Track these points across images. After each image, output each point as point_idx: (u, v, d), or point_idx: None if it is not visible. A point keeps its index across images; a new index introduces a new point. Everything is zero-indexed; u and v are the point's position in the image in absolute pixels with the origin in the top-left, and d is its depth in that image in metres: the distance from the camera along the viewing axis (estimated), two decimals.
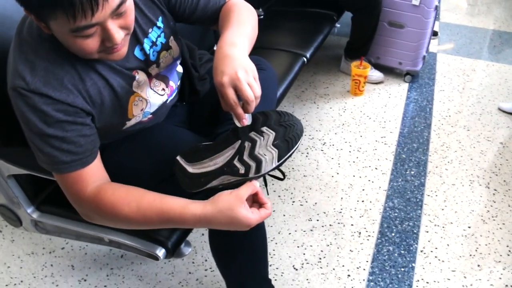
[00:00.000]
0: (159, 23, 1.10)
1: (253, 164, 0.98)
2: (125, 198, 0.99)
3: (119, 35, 0.89)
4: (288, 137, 1.00)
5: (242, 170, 0.98)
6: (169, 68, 1.19)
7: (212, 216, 0.94)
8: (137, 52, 1.07)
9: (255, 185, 0.98)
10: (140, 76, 1.09)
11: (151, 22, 1.07)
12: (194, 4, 1.13)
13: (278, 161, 0.99)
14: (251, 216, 0.95)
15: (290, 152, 1.01)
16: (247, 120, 0.95)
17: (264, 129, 0.99)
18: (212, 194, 1.03)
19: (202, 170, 1.01)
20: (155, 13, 1.08)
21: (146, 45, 1.08)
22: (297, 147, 1.02)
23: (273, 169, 1.00)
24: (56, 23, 0.82)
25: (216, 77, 0.92)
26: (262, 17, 2.07)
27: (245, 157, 0.98)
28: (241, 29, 1.05)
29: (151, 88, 1.14)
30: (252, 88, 0.92)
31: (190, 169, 1.02)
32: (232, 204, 0.93)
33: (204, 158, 1.01)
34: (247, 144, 0.98)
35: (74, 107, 0.94)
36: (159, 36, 1.11)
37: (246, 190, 0.96)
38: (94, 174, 1.02)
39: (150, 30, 1.08)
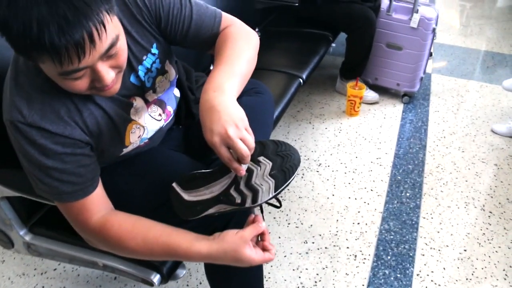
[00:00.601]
0: (154, 50, 1.08)
1: (249, 194, 0.97)
2: (131, 232, 0.99)
3: (109, 76, 0.87)
4: (285, 167, 0.99)
5: (238, 200, 0.98)
6: (166, 93, 1.18)
7: (217, 255, 0.96)
8: (132, 79, 1.06)
9: (260, 227, 0.99)
10: (138, 102, 1.09)
11: (145, 50, 1.06)
12: (184, 31, 1.10)
13: (274, 192, 0.98)
14: (254, 256, 0.97)
15: (287, 183, 1.00)
16: (243, 171, 0.93)
17: (261, 158, 0.99)
18: (208, 221, 1.02)
19: (198, 198, 1.00)
20: (149, 40, 1.06)
21: (141, 72, 1.07)
22: (294, 177, 1.01)
23: (270, 199, 1.00)
24: (45, 66, 0.81)
25: (205, 135, 0.90)
26: (259, 37, 2.08)
27: (242, 187, 0.98)
28: (233, 67, 1.00)
29: (149, 114, 1.13)
30: (246, 142, 0.89)
31: (186, 196, 1.01)
32: (237, 246, 0.95)
33: (200, 186, 1.01)
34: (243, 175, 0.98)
35: (72, 139, 0.94)
36: (154, 62, 1.09)
37: (251, 231, 0.97)
38: (97, 203, 1.02)
39: (144, 58, 1.06)
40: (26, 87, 0.90)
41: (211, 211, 1.00)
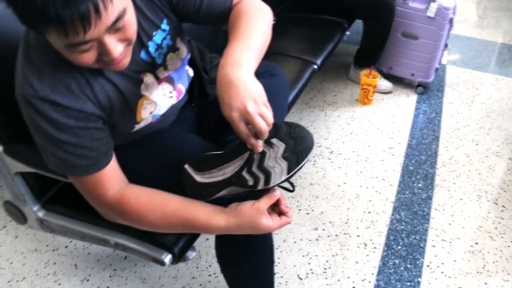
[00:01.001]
0: (164, 26, 1.07)
1: (262, 176, 0.97)
2: (149, 206, 1.00)
3: (117, 50, 0.86)
4: (298, 149, 0.98)
5: (250, 182, 0.97)
6: (178, 70, 1.17)
7: (235, 227, 0.98)
8: (143, 54, 1.05)
9: (275, 195, 0.99)
10: (148, 78, 1.08)
11: (155, 25, 1.05)
12: (197, 6, 1.09)
13: (287, 174, 0.97)
14: (272, 224, 0.99)
15: (300, 165, 0.99)
16: (261, 147, 0.94)
17: (274, 140, 0.98)
18: (220, 201, 1.02)
19: (210, 180, 1.00)
20: (159, 16, 1.05)
21: (151, 48, 1.06)
22: (307, 160, 1.00)
23: (282, 182, 0.99)
24: (51, 38, 0.80)
25: (224, 110, 0.89)
26: (274, 22, 2.06)
27: (254, 169, 0.97)
28: (248, 41, 0.98)
29: (160, 91, 1.13)
30: (264, 118, 0.88)
31: (198, 178, 1.01)
32: (254, 217, 0.97)
33: (213, 167, 1.00)
34: (256, 156, 0.97)
35: (84, 112, 0.93)
36: (164, 38, 1.09)
37: (266, 201, 0.98)
38: (112, 177, 1.02)
39: (154, 33, 1.05)
40: (36, 62, 0.90)
41: (222, 193, 1.00)
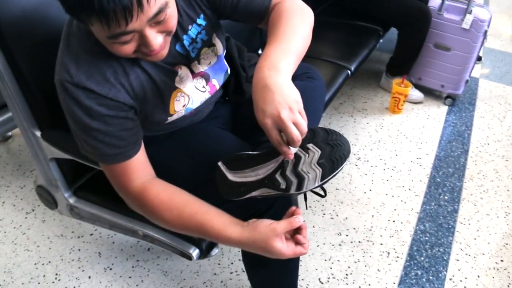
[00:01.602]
0: (200, 21, 1.08)
1: (295, 181, 0.96)
2: (168, 204, 1.01)
3: (157, 42, 0.88)
4: (334, 157, 0.97)
5: (283, 185, 0.97)
6: (213, 67, 1.17)
7: (247, 243, 0.96)
8: (178, 47, 1.06)
9: (296, 222, 0.95)
10: (183, 71, 1.09)
11: (191, 20, 1.06)
12: (235, 2, 1.08)
13: (321, 181, 0.97)
14: (285, 251, 0.94)
15: (335, 173, 0.98)
16: (292, 155, 0.91)
17: (310, 146, 0.97)
18: (250, 203, 1.03)
19: (242, 180, 1.00)
20: (195, 10, 1.06)
21: (186, 41, 1.07)
22: (342, 168, 1.00)
23: (315, 188, 0.99)
24: (94, 29, 0.83)
25: (257, 115, 0.87)
26: None
27: (288, 173, 0.97)
28: (288, 44, 0.95)
29: (194, 85, 1.13)
30: (298, 126, 0.85)
31: (231, 176, 1.01)
32: (267, 237, 0.93)
33: (246, 167, 1.00)
34: (291, 160, 0.96)
35: (116, 101, 0.95)
36: (199, 33, 1.09)
37: (285, 226, 0.94)
38: (138, 167, 1.03)
39: (189, 27, 1.06)
40: (75, 48, 0.92)
41: (254, 193, 1.00)
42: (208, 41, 1.12)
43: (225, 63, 1.24)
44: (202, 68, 1.14)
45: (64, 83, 0.91)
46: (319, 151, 0.97)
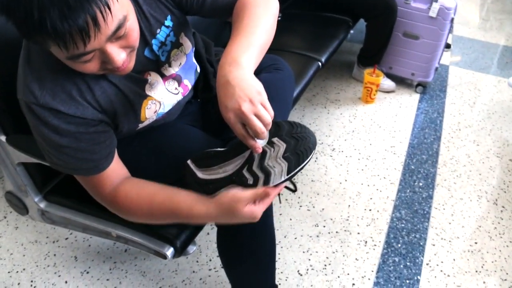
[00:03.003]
0: (167, 22, 1.06)
1: (261, 176, 0.96)
2: (137, 201, 1.01)
3: (120, 58, 0.85)
4: (300, 150, 0.97)
5: (250, 181, 0.97)
6: (184, 67, 1.16)
7: (216, 216, 0.95)
8: (147, 53, 1.04)
9: (261, 190, 0.93)
10: (153, 77, 1.07)
11: (159, 22, 1.04)
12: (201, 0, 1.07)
13: (287, 174, 0.97)
14: (255, 209, 0.93)
15: (300, 166, 0.98)
16: (260, 148, 0.90)
17: (275, 140, 0.97)
18: None
19: (211, 177, 1.00)
20: (163, 12, 1.04)
21: (155, 46, 1.04)
22: (309, 161, 0.99)
23: (282, 182, 0.98)
24: (53, 50, 0.79)
25: (221, 111, 0.87)
26: (279, 19, 2.05)
27: (254, 168, 0.96)
28: (250, 39, 0.94)
29: (166, 88, 1.12)
30: (261, 118, 0.84)
31: (200, 174, 1.01)
32: (232, 206, 0.92)
33: (214, 164, 1.00)
34: (256, 155, 0.96)
35: (85, 118, 0.93)
36: (168, 35, 1.07)
37: (250, 194, 0.92)
38: (112, 176, 1.03)
39: (158, 31, 1.04)
40: (37, 65, 0.90)
41: (223, 190, 0.99)
42: (176, 42, 1.10)
43: (194, 61, 1.22)
44: (173, 70, 1.12)
45: (30, 104, 0.89)
46: (284, 145, 0.97)
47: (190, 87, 1.21)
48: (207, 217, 0.97)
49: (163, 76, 1.10)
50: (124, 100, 1.01)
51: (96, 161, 0.98)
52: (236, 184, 0.98)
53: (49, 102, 0.89)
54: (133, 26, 0.85)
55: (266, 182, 0.96)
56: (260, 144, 0.90)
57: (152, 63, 1.06)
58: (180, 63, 1.14)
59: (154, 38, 1.04)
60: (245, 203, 0.91)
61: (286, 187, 1.05)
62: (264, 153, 0.96)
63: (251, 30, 0.96)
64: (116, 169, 1.04)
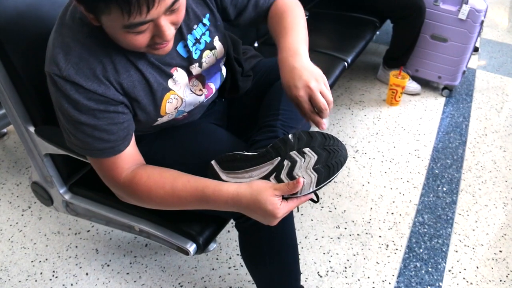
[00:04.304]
0: (205, 20, 1.08)
1: None
2: (159, 181, 0.99)
3: (170, 32, 0.88)
4: (331, 163, 0.97)
5: None
6: (211, 69, 1.16)
7: (244, 197, 0.94)
8: (180, 48, 1.05)
9: (297, 185, 0.93)
10: (179, 74, 1.07)
11: (197, 18, 1.05)
12: (245, 2, 1.15)
13: (316, 186, 0.96)
14: (279, 205, 0.93)
15: (330, 179, 0.98)
16: (325, 125, 0.97)
17: (307, 150, 0.96)
18: None
19: (236, 181, 0.99)
20: (203, 9, 1.06)
21: (190, 41, 1.06)
22: (338, 174, 0.99)
23: (309, 193, 0.98)
24: (109, 18, 0.81)
25: (291, 92, 0.96)
26: (307, 17, 2.04)
27: (283, 176, 0.96)
28: (299, 35, 1.07)
29: (189, 88, 1.11)
30: (325, 96, 0.95)
31: (224, 176, 1.00)
32: (264, 189, 0.93)
33: (240, 168, 0.99)
34: (286, 163, 0.96)
35: (106, 97, 0.93)
36: (203, 34, 1.08)
37: (283, 186, 0.93)
38: (128, 160, 1.01)
39: (195, 27, 1.06)
40: (67, 40, 0.90)
41: None
42: (210, 43, 1.11)
43: (222, 65, 1.22)
44: (201, 70, 1.12)
45: (53, 76, 0.89)
46: (316, 156, 0.96)
47: (214, 89, 1.21)
48: (236, 196, 0.94)
49: (190, 75, 1.10)
50: (147, 88, 1.01)
51: (113, 141, 0.97)
52: None
53: (72, 75, 0.89)
54: (183, 3, 0.90)
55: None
56: (325, 122, 0.97)
57: (183, 59, 1.07)
58: (209, 66, 1.14)
59: (190, 34, 1.05)
60: (274, 192, 0.92)
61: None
62: (294, 162, 0.95)
63: (297, 28, 1.10)
64: (133, 154, 1.03)
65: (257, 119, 1.25)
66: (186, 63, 1.08)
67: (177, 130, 1.19)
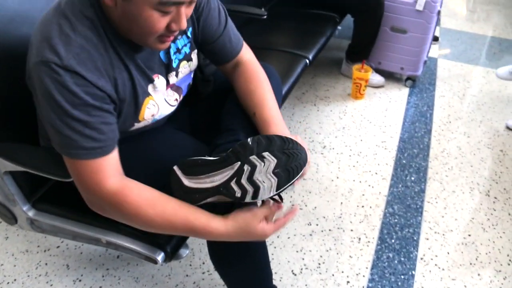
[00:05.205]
0: (189, 33, 1.11)
1: (250, 190, 0.96)
2: (151, 200, 0.97)
3: (185, 22, 0.92)
4: (290, 166, 0.97)
5: (238, 194, 0.96)
6: (184, 80, 1.17)
7: (233, 231, 1.00)
8: (162, 54, 1.07)
9: (274, 207, 1.04)
10: (160, 81, 1.08)
11: (183, 30, 1.07)
12: (218, 33, 1.17)
13: (276, 190, 0.96)
14: (267, 228, 1.01)
15: (290, 183, 0.98)
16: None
17: (266, 154, 0.96)
18: (209, 207, 1.01)
19: (198, 186, 0.98)
20: (188, 22, 1.07)
21: (172, 50, 1.08)
22: (298, 177, 0.99)
23: (270, 197, 0.99)
24: None
25: None
26: (265, 17, 2.04)
27: (243, 181, 0.96)
28: (278, 113, 1.17)
29: (164, 98, 1.12)
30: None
31: (186, 181, 0.99)
32: (250, 222, 0.99)
33: (202, 173, 0.98)
34: (246, 168, 0.95)
35: (103, 91, 0.92)
36: (185, 45, 1.12)
37: (264, 211, 1.01)
38: (114, 166, 0.97)
39: (179, 37, 1.09)
40: (67, 29, 0.88)
41: (209, 200, 0.99)
42: (189, 55, 1.14)
43: (191, 76, 1.24)
44: (176, 80, 1.14)
45: (51, 65, 0.85)
46: (275, 160, 0.96)
47: (181, 98, 1.21)
48: (225, 232, 0.99)
49: (167, 83, 1.11)
50: (132, 90, 1.01)
51: (102, 141, 0.93)
52: (223, 196, 0.97)
53: (74, 65, 0.86)
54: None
55: (255, 196, 0.96)
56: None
57: (163, 66, 1.08)
58: (183, 75, 1.16)
59: (173, 42, 1.08)
60: (259, 219, 1.00)
61: (272, 198, 1.03)
62: (254, 167, 0.95)
63: (272, 102, 1.18)
64: (117, 161, 0.99)
65: (218, 123, 1.25)
66: (165, 70, 1.09)
67: (142, 136, 1.18)
